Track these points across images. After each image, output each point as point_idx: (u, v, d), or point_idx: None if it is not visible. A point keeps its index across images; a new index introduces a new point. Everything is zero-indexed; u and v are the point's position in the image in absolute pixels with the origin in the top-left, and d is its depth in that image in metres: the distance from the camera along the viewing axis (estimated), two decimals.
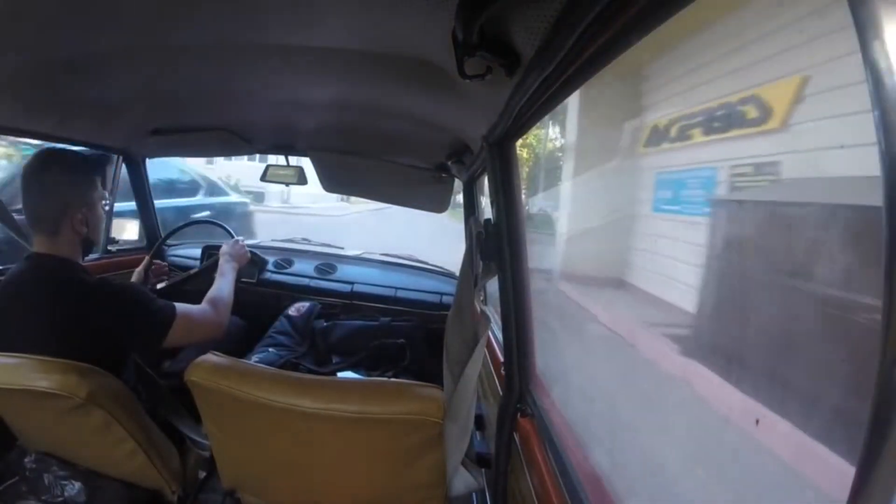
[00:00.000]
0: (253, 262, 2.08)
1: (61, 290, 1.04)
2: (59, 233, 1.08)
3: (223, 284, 1.37)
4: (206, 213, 3.82)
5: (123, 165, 1.92)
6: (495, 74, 0.64)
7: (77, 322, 1.02)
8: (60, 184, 1.08)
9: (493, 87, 0.70)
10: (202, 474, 1.25)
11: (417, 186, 1.81)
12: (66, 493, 1.01)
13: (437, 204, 1.93)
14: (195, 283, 2.01)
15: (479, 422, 1.28)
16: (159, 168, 3.27)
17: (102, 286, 1.07)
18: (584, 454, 0.81)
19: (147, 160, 2.02)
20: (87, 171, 1.14)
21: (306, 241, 2.46)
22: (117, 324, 1.05)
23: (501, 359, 1.06)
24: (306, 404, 0.83)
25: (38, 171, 1.07)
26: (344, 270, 2.16)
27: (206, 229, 2.27)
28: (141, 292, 1.13)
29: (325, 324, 1.79)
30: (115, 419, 0.97)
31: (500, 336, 1.18)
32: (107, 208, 1.28)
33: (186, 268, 2.07)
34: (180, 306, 1.13)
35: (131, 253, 2.01)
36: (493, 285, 1.12)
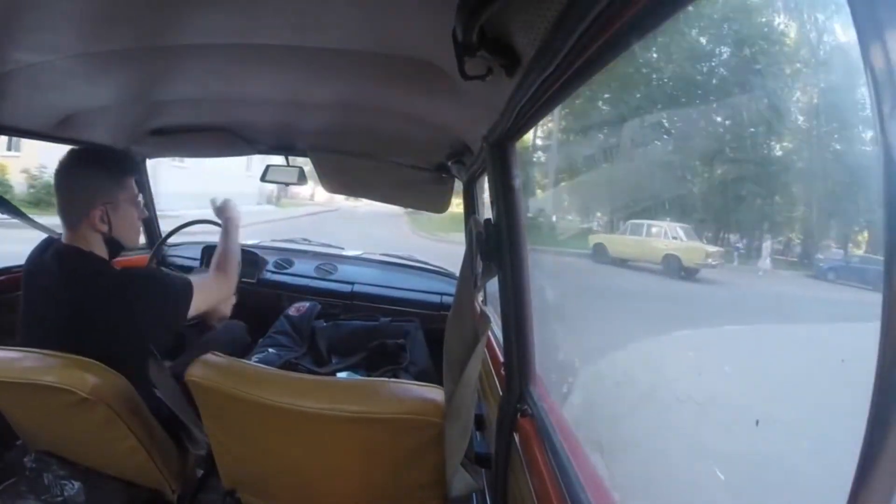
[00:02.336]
0: (253, 263, 2.08)
1: (82, 281, 1.06)
2: (78, 228, 1.10)
3: (230, 245, 1.39)
4: None
5: None
6: (496, 74, 0.64)
7: (97, 313, 1.04)
8: (82, 180, 1.11)
9: (493, 87, 0.70)
10: (201, 473, 1.25)
11: (417, 187, 1.81)
12: (65, 493, 1.01)
13: (438, 204, 1.93)
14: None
15: (479, 422, 1.28)
16: None
17: (122, 274, 1.10)
18: (583, 454, 0.81)
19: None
20: (114, 169, 1.15)
21: (306, 241, 2.47)
22: (140, 309, 1.07)
23: (501, 359, 1.06)
24: (306, 404, 0.83)
25: (66, 166, 1.11)
26: (344, 271, 2.16)
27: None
28: (156, 275, 1.17)
29: (325, 324, 1.79)
30: (117, 416, 0.97)
31: (500, 336, 1.18)
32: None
33: (186, 268, 2.08)
34: (193, 278, 1.18)
35: (132, 252, 2.01)
36: (493, 285, 1.12)
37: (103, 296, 1.05)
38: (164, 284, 1.14)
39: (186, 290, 1.13)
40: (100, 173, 1.12)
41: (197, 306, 1.15)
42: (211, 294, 1.23)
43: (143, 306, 1.08)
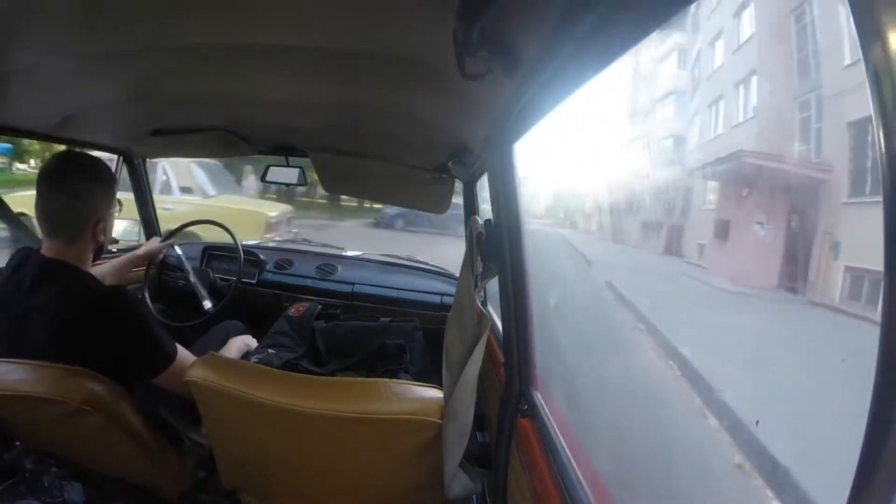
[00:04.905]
0: (253, 263, 2.08)
1: (76, 301, 1.01)
2: (78, 240, 1.05)
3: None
4: None
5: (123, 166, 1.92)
6: (496, 74, 0.64)
7: (92, 329, 1.00)
8: (88, 190, 1.05)
9: (494, 87, 0.70)
10: (201, 474, 1.25)
11: (418, 187, 1.81)
12: (65, 494, 1.01)
13: (438, 204, 1.93)
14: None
15: (479, 422, 1.28)
16: None
17: (116, 298, 1.04)
18: (584, 454, 0.81)
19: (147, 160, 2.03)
20: (109, 178, 1.12)
21: (307, 241, 2.47)
22: (120, 341, 1.03)
23: (501, 359, 1.06)
24: (306, 405, 0.83)
25: (62, 174, 1.04)
26: (344, 271, 2.16)
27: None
28: (151, 320, 1.09)
29: (324, 324, 1.79)
30: (112, 422, 0.97)
31: (500, 336, 1.18)
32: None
33: (186, 268, 2.07)
34: (183, 352, 1.09)
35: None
36: (493, 285, 1.12)
37: (97, 313, 1.01)
38: (152, 332, 1.07)
39: (168, 354, 1.07)
40: (100, 182, 1.07)
41: (169, 378, 1.07)
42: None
43: (126, 342, 1.04)
